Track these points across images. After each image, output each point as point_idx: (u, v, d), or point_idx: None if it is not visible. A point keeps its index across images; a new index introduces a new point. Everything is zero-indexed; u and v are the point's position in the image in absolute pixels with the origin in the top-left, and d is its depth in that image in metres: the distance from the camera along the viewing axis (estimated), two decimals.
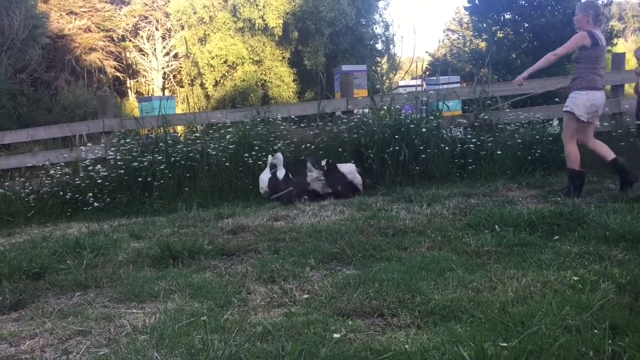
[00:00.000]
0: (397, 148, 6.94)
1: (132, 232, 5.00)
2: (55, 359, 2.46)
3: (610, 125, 7.34)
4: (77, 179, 7.41)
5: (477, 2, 19.89)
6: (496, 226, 4.03)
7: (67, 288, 3.51)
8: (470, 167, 6.96)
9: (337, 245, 3.93)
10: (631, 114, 7.14)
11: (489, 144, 7.08)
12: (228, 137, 7.48)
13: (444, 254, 3.60)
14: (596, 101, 5.51)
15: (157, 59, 25.37)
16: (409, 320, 2.58)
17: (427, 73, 19.82)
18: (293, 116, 8.30)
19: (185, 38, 20.08)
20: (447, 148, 7.07)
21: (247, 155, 7.13)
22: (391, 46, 23.85)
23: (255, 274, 3.47)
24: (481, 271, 3.16)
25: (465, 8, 21.92)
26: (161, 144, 7.58)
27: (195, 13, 22.47)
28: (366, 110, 7.86)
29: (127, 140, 7.77)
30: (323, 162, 6.58)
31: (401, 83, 14.64)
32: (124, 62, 24.38)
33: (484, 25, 19.92)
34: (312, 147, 7.44)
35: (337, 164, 6.65)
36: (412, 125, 7.14)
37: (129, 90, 25.36)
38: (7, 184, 7.68)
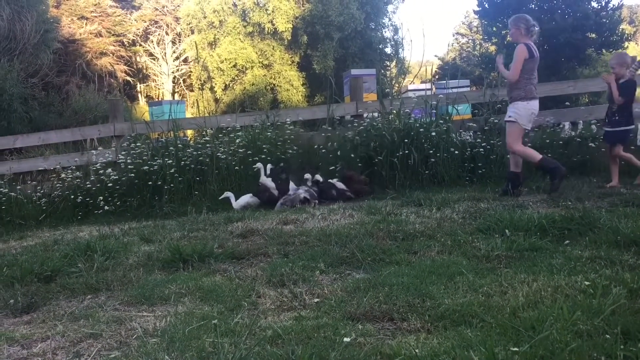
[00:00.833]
0: (406, 152, 6.93)
1: (143, 236, 5.02)
2: None
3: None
4: (88, 183, 7.47)
5: (486, 5, 19.90)
6: (506, 230, 4.01)
7: (79, 291, 3.53)
8: (480, 171, 6.94)
9: (347, 249, 3.92)
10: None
11: (499, 148, 7.05)
12: (238, 141, 7.51)
13: (454, 258, 3.59)
14: (534, 110, 5.92)
15: (167, 63, 25.53)
16: (419, 325, 2.57)
17: (437, 77, 19.82)
18: (301, 119, 8.33)
19: (195, 42, 20.19)
20: (456, 152, 7.05)
21: (256, 159, 7.15)
22: (400, 50, 23.86)
23: (265, 277, 3.48)
24: (491, 275, 3.15)
25: (475, 12, 21.93)
26: (171, 147, 7.63)
27: (205, 17, 22.60)
28: (375, 114, 7.86)
29: (138, 144, 7.83)
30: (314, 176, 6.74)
31: (410, 87, 14.64)
32: (134, 66, 24.53)
33: (494, 29, 19.91)
34: (323, 151, 7.44)
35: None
36: (421, 129, 7.13)
37: (139, 95, 25.52)
38: (19, 187, 7.75)
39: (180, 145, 7.68)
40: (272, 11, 21.27)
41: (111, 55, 22.16)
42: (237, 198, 6.64)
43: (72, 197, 7.37)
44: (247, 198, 6.64)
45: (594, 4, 19.92)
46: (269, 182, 6.77)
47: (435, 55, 30.86)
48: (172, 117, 8.23)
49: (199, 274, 3.67)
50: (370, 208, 5.38)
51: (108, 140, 8.61)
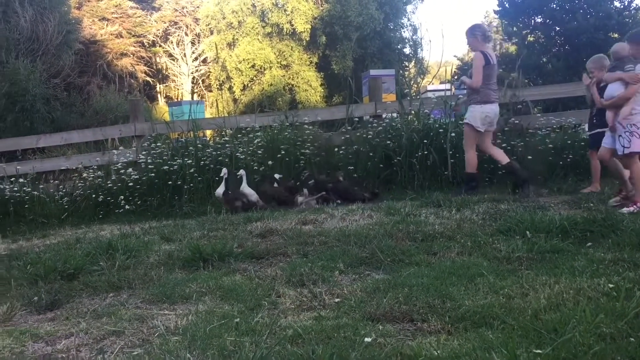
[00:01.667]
0: (425, 153, 6.91)
1: (163, 235, 5.05)
2: (90, 358, 2.51)
3: None
4: (109, 182, 7.55)
5: (507, 5, 19.70)
6: (527, 232, 3.97)
7: (101, 289, 3.57)
8: (500, 173, 6.89)
9: (366, 249, 3.92)
10: None
11: (520, 149, 7.00)
12: (256, 141, 7.54)
13: (474, 259, 3.57)
14: (490, 113, 6.21)
15: (186, 64, 25.70)
16: (439, 326, 2.56)
17: (456, 77, 19.69)
18: (320, 119, 8.34)
19: (215, 43, 20.29)
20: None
21: (278, 157, 7.17)
22: (419, 50, 23.71)
23: (284, 277, 3.49)
24: (512, 277, 3.13)
25: (495, 11, 21.73)
26: (191, 147, 7.69)
27: (224, 18, 22.71)
28: (394, 115, 7.84)
29: (158, 144, 7.90)
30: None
31: (430, 87, 14.56)
32: (154, 67, 24.77)
33: (514, 29, 19.71)
34: (341, 152, 7.45)
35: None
36: (440, 130, 7.10)
37: (159, 95, 25.74)
38: (41, 186, 7.86)
39: (199, 145, 7.74)
40: (291, 12, 21.31)
41: (131, 56, 22.39)
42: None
43: (94, 196, 7.46)
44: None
45: (617, 4, 19.61)
46: (247, 189, 6.70)
47: (455, 56, 30.53)
48: (192, 118, 8.29)
49: (219, 273, 3.69)
50: (390, 209, 5.36)
51: (129, 140, 8.69)
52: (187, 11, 25.97)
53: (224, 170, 6.66)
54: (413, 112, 7.62)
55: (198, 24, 25.01)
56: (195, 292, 3.30)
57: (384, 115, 7.92)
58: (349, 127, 7.83)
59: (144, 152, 7.78)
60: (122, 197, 7.34)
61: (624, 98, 5.04)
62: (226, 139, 8.03)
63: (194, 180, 7.18)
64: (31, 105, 11.87)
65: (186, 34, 25.75)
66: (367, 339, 2.38)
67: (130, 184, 7.40)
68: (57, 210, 7.46)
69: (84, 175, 7.87)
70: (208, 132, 9.76)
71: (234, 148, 7.50)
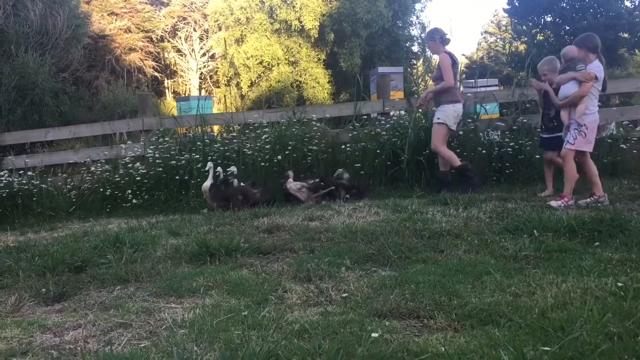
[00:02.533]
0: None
1: (170, 229, 5.08)
2: (98, 349, 2.52)
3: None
4: (116, 176, 7.58)
5: (516, 4, 19.62)
6: (535, 231, 3.97)
7: (108, 282, 3.59)
8: (507, 171, 6.88)
9: (373, 246, 3.93)
10: None
11: (528, 148, 6.98)
12: (264, 137, 7.55)
13: (481, 257, 3.57)
14: (460, 112, 6.49)
15: (195, 59, 25.73)
16: (445, 323, 2.57)
17: (464, 76, 19.62)
18: (328, 116, 8.34)
19: (224, 39, 20.28)
20: (484, 151, 7.00)
21: (285, 153, 7.17)
22: (427, 48, 23.65)
23: (291, 272, 3.50)
24: (519, 276, 3.12)
25: (505, 10, 21.65)
26: (198, 143, 7.71)
27: (232, 14, 22.69)
28: (402, 112, 7.83)
29: (166, 138, 7.92)
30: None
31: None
32: (162, 62, 24.79)
33: (524, 27, 19.62)
34: (349, 149, 7.45)
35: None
36: None
37: (167, 90, 25.78)
38: (50, 179, 7.89)
39: (207, 141, 7.75)
40: (300, 8, 21.27)
41: (140, 51, 22.42)
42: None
43: (101, 190, 7.49)
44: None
45: (627, 3, 19.50)
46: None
47: (463, 54, 30.51)
48: (200, 113, 8.30)
49: (226, 268, 3.71)
50: (396, 206, 5.37)
51: (137, 135, 8.71)
52: (195, 7, 25.98)
53: (209, 164, 6.66)
54: (421, 109, 7.61)
55: (206, 20, 25.01)
56: (202, 286, 3.32)
57: (391, 113, 7.91)
58: (357, 124, 7.82)
59: (151, 147, 7.80)
60: (129, 191, 7.37)
61: (579, 96, 5.24)
62: (234, 134, 8.04)
63: (201, 175, 7.20)
64: (40, 99, 11.89)
65: (194, 30, 25.77)
66: (374, 335, 2.39)
67: (138, 178, 7.43)
68: (65, 203, 7.49)
69: (92, 169, 7.90)
70: (215, 128, 9.77)
71: (242, 144, 7.51)
